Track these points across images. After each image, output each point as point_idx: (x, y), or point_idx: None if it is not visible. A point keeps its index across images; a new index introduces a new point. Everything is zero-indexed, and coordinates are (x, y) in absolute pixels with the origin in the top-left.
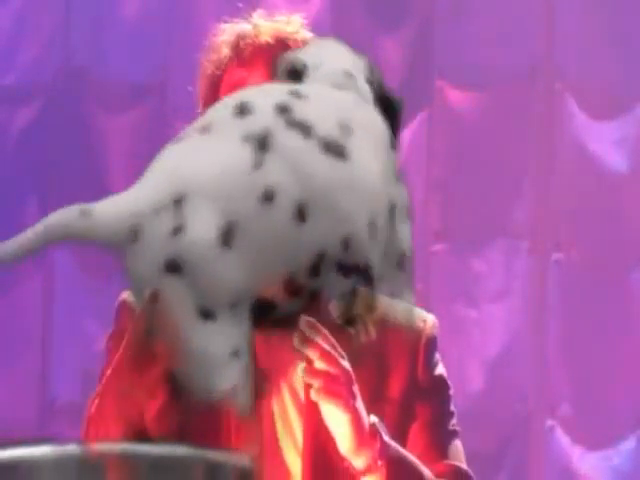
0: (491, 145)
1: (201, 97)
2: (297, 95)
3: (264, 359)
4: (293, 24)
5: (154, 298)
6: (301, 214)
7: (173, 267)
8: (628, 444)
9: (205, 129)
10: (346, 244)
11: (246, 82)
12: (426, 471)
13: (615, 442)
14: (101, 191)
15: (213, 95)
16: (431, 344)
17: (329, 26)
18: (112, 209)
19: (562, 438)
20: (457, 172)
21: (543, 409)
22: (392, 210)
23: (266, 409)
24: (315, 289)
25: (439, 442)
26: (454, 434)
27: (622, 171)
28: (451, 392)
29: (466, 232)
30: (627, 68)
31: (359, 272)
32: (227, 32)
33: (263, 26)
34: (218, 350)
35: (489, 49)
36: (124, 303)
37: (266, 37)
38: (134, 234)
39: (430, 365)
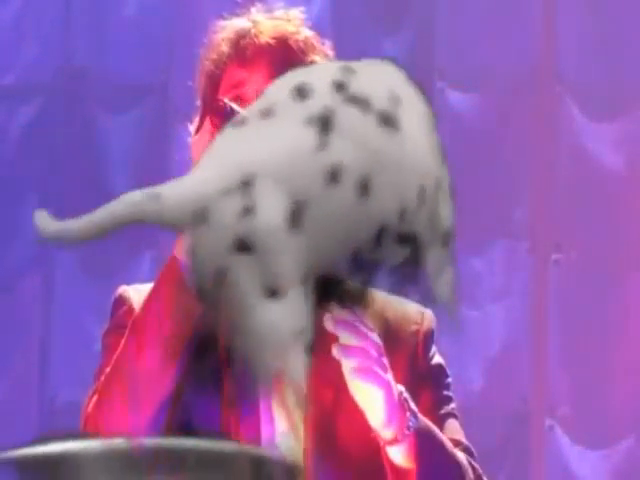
0: (491, 146)
1: (200, 95)
2: (349, 70)
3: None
4: (293, 22)
5: (221, 277)
6: (364, 189)
7: (242, 247)
8: (627, 443)
9: (266, 113)
10: (402, 214)
11: (247, 83)
12: (447, 440)
13: (614, 442)
14: (101, 190)
15: (212, 94)
16: (429, 337)
17: (329, 26)
18: (179, 192)
19: (561, 438)
20: (457, 173)
21: (543, 409)
22: (438, 185)
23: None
24: (377, 261)
25: (439, 424)
26: (452, 415)
27: (621, 172)
28: (449, 380)
29: (466, 233)
30: (626, 70)
31: (411, 242)
32: (226, 29)
33: (263, 24)
34: (282, 330)
35: (489, 51)
36: (120, 298)
37: (267, 37)
38: (202, 216)
39: (428, 356)
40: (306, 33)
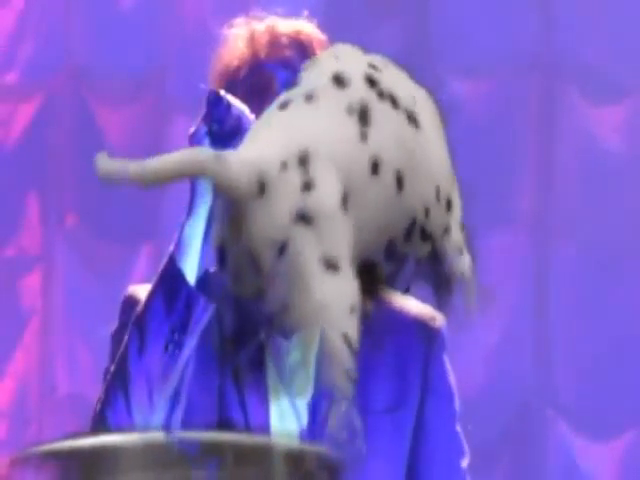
0: (491, 133)
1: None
2: (375, 67)
3: None
4: (306, 26)
5: (282, 248)
6: (400, 183)
7: (303, 219)
8: (630, 434)
9: (310, 98)
10: (426, 211)
11: (266, 83)
12: None
13: (617, 432)
14: (102, 187)
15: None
16: (442, 342)
17: (324, 14)
18: (243, 160)
19: (563, 428)
20: (457, 160)
21: (544, 399)
22: (452, 185)
23: None
24: (406, 254)
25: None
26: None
27: (623, 157)
28: (455, 397)
29: (467, 220)
30: (627, 53)
31: (431, 239)
32: (241, 29)
33: (277, 26)
34: (342, 300)
35: (488, 36)
36: (130, 298)
37: (282, 37)
38: (261, 186)
39: (440, 364)
40: (320, 36)
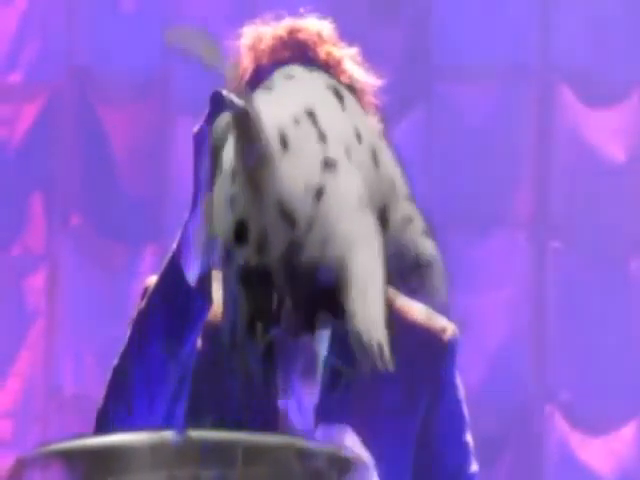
0: (489, 135)
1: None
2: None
3: None
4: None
5: (320, 193)
6: (375, 158)
7: (328, 165)
8: (628, 429)
9: (288, 78)
10: (394, 197)
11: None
12: None
13: (614, 427)
14: (106, 187)
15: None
16: (452, 353)
17: (326, 16)
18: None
19: (561, 424)
20: (455, 163)
21: (542, 395)
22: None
23: None
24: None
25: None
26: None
27: (619, 159)
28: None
29: (466, 221)
30: (623, 56)
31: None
32: (248, 35)
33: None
34: (375, 239)
35: (485, 40)
36: (148, 289)
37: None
38: (284, 141)
39: (449, 382)
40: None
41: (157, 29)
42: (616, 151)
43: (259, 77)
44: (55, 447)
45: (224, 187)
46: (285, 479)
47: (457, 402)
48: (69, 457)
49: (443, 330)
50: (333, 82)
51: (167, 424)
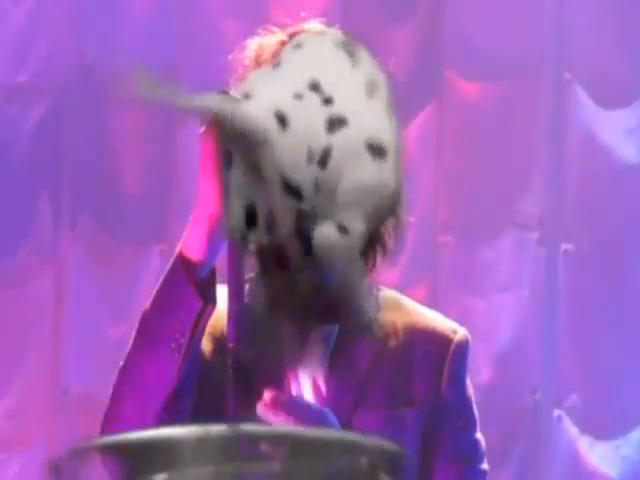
0: (500, 135)
1: None
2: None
3: None
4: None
5: (328, 155)
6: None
7: (335, 123)
8: (637, 434)
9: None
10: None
11: None
12: None
13: (624, 432)
14: (113, 187)
15: None
16: (459, 357)
17: (338, 15)
18: (254, 103)
19: (570, 428)
20: (466, 163)
21: (551, 399)
22: None
23: None
24: None
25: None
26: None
27: (632, 160)
28: (475, 414)
29: (475, 223)
30: (636, 56)
31: None
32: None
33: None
34: (390, 183)
35: (498, 39)
36: None
37: (283, 44)
38: (281, 119)
39: (456, 380)
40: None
41: (166, 29)
42: (630, 152)
43: None
44: (105, 440)
45: (236, 179)
46: (332, 473)
47: (466, 402)
48: (114, 451)
49: (454, 333)
50: (343, 38)
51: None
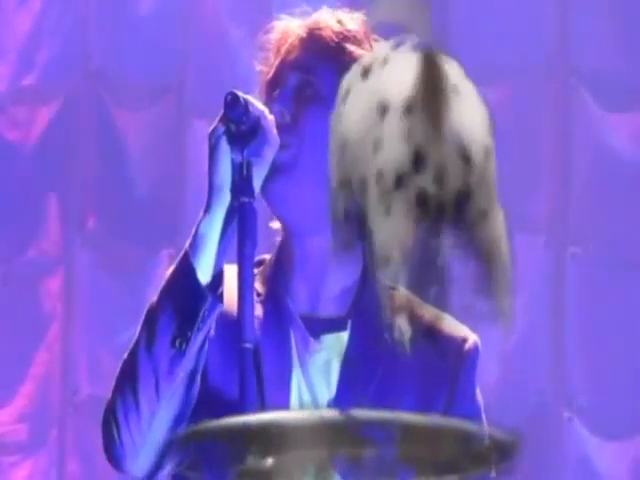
0: (507, 139)
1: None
2: None
3: None
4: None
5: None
6: None
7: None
8: None
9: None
10: None
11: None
12: None
13: (633, 433)
14: (122, 190)
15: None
16: (472, 365)
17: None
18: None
19: (580, 429)
20: None
21: (560, 401)
22: None
23: None
24: None
25: None
26: None
27: (638, 163)
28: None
29: None
30: None
31: None
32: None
33: (292, 28)
34: None
35: (503, 43)
36: None
37: (294, 39)
38: (456, 89)
39: (468, 387)
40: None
41: (173, 32)
42: (635, 155)
43: (278, 77)
44: (215, 424)
45: (369, 123)
46: (445, 460)
47: (474, 411)
48: (228, 434)
49: (464, 340)
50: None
51: (178, 418)
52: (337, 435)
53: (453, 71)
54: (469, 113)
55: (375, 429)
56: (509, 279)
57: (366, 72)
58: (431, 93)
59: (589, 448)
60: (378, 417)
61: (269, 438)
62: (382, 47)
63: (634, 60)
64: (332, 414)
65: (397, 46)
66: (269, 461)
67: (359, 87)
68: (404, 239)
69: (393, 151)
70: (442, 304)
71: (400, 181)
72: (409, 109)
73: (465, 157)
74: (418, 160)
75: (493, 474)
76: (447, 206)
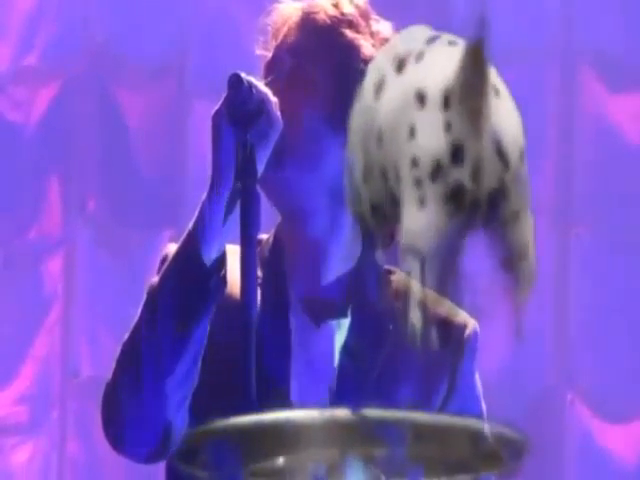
0: None
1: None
2: None
3: None
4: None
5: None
6: None
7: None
8: None
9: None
10: None
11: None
12: None
13: (636, 414)
14: (123, 171)
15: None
16: (472, 350)
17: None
18: None
19: (583, 411)
20: None
21: (564, 382)
22: None
23: None
24: None
25: None
26: None
27: None
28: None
29: None
30: None
31: None
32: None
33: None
34: None
35: (506, 23)
36: (167, 256)
37: (291, 23)
38: (496, 90)
39: (468, 373)
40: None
41: (175, 12)
42: (639, 136)
43: (274, 61)
44: (226, 422)
45: (406, 111)
46: (456, 459)
47: (473, 398)
48: (240, 433)
49: (464, 326)
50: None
51: (178, 403)
52: (349, 434)
53: (492, 71)
54: (507, 114)
55: (386, 428)
56: (532, 285)
57: (401, 66)
58: (473, 88)
59: (592, 430)
60: (389, 416)
61: (280, 437)
62: (415, 40)
63: (638, 42)
64: (344, 413)
65: (431, 41)
66: (280, 460)
67: (394, 81)
68: (435, 232)
69: (430, 140)
70: (455, 299)
71: (437, 172)
72: (449, 101)
73: (502, 156)
74: (457, 153)
75: (503, 473)
76: (482, 203)
